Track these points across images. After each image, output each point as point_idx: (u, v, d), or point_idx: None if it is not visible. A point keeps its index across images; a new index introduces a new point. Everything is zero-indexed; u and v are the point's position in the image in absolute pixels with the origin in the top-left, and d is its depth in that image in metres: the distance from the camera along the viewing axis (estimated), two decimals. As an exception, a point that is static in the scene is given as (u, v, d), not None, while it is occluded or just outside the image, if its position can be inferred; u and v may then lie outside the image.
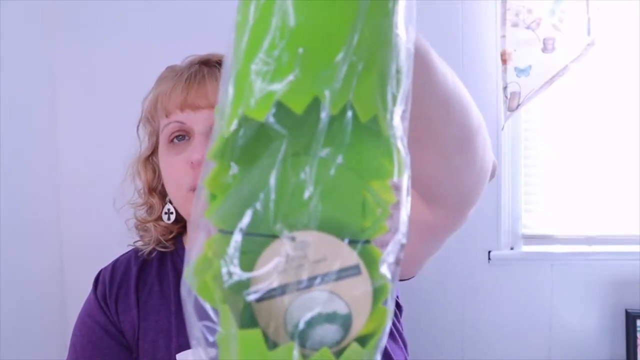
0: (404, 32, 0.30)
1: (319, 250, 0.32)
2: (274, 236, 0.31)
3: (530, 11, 1.78)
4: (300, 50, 0.27)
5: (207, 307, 0.33)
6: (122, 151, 0.97)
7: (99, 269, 0.96)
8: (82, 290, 1.23)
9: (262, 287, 0.32)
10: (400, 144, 0.31)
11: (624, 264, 1.82)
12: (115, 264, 0.94)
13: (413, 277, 0.85)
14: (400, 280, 0.85)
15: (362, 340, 0.34)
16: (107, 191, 1.10)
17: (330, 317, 0.33)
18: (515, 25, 1.79)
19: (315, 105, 0.28)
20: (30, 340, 1.61)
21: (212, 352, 0.33)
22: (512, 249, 1.89)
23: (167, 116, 0.86)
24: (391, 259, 0.34)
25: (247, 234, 0.30)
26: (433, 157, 0.61)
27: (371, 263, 0.33)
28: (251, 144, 0.29)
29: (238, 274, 0.30)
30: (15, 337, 1.54)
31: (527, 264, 1.86)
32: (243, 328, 0.31)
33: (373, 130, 0.30)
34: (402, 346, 0.89)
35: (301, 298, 0.33)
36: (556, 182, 1.90)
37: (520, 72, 1.79)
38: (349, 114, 0.28)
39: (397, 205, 0.33)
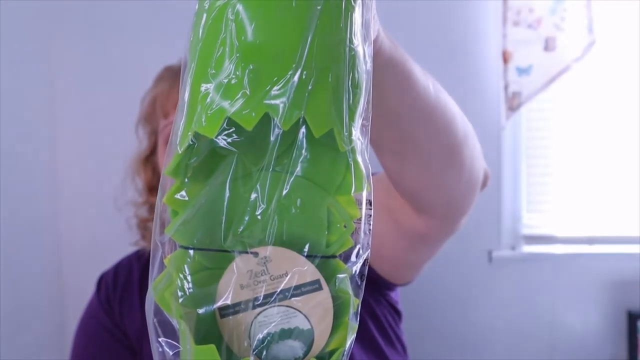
0: (361, 46, 0.29)
1: (280, 266, 0.32)
2: (230, 252, 0.31)
3: (532, 10, 1.77)
4: (250, 67, 0.26)
5: (174, 322, 0.33)
6: (121, 150, 0.97)
7: (99, 269, 0.96)
8: (81, 290, 1.23)
9: (223, 303, 0.32)
10: (360, 159, 0.31)
11: (626, 264, 1.81)
12: (117, 267, 0.95)
13: (411, 282, 0.85)
14: (398, 285, 0.85)
15: (328, 357, 0.34)
16: (106, 190, 1.10)
17: (291, 333, 0.33)
18: (516, 24, 1.78)
19: (268, 121, 0.28)
20: (29, 340, 1.61)
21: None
22: (513, 249, 1.88)
23: (165, 117, 0.86)
24: (354, 273, 0.33)
25: (203, 249, 0.30)
26: (418, 169, 0.61)
27: (334, 278, 0.33)
28: (207, 160, 0.29)
29: (192, 290, 0.30)
30: (14, 337, 1.55)
31: (528, 265, 1.85)
32: (207, 344, 0.31)
33: (331, 146, 0.29)
34: (402, 351, 0.89)
35: (263, 314, 0.33)
36: (558, 182, 1.89)
37: (521, 71, 1.78)
38: (302, 129, 0.28)
39: (359, 219, 0.33)
